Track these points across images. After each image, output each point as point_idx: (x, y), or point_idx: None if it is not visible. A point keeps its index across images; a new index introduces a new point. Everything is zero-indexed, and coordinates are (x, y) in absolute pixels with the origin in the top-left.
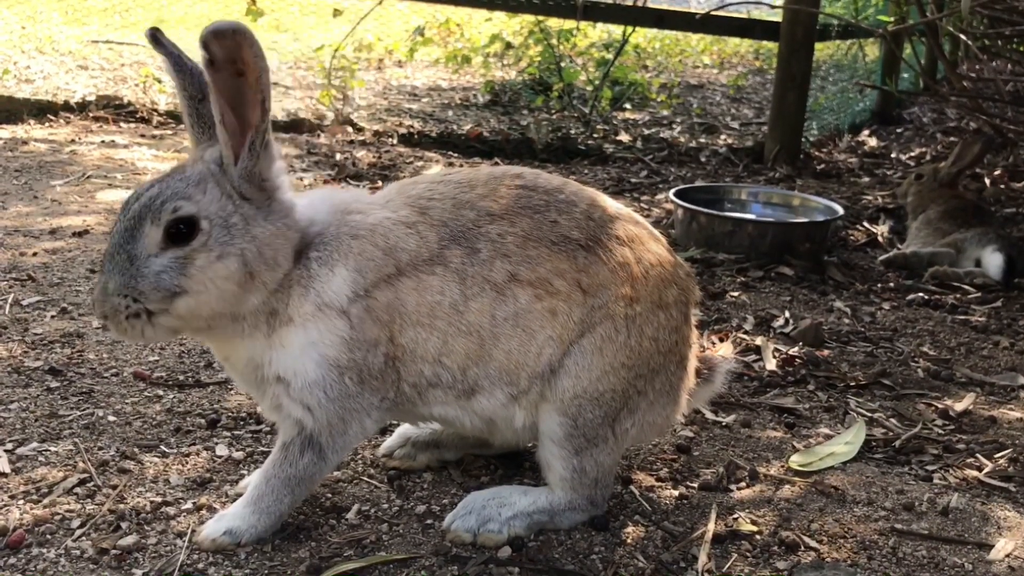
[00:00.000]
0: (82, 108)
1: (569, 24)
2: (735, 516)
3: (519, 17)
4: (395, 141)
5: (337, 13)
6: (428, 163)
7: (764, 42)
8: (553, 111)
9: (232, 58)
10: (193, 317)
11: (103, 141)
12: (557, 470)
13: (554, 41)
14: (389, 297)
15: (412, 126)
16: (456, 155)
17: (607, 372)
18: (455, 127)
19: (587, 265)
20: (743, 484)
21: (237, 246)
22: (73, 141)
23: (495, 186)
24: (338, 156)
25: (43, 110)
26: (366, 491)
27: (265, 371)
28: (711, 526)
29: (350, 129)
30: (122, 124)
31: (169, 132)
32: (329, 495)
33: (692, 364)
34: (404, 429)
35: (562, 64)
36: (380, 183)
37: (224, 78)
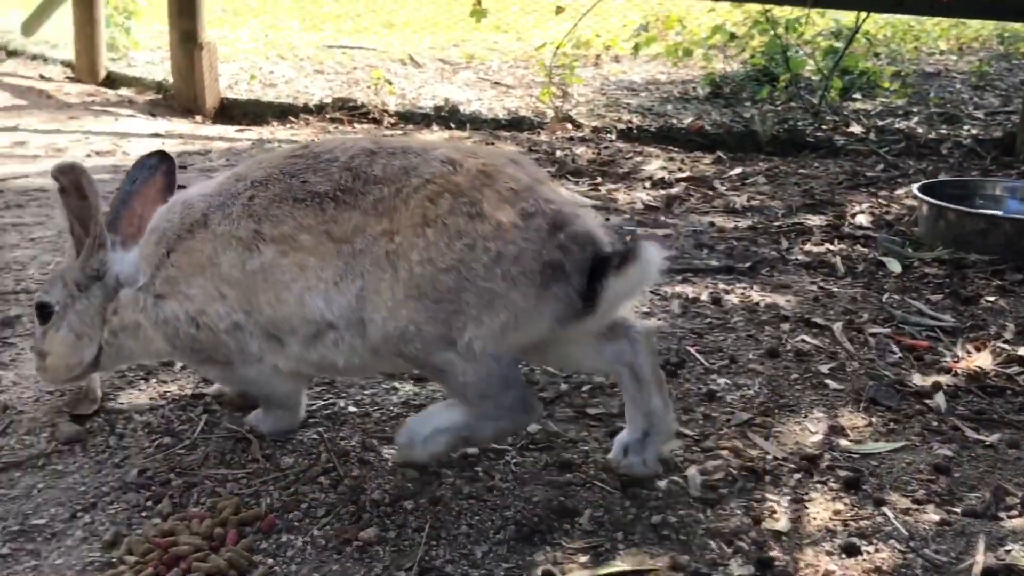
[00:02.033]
0: (320, 110)
1: (796, 12)
2: (1008, 548)
3: (743, 7)
4: (614, 137)
5: (559, 11)
6: (648, 158)
7: (1010, 23)
8: (778, 103)
9: (76, 187)
10: (58, 370)
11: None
12: (447, 394)
13: (781, 30)
14: (166, 274)
15: (631, 121)
16: (677, 150)
17: (395, 309)
18: (675, 121)
19: (336, 215)
20: (1014, 512)
21: (66, 320)
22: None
23: (274, 159)
24: (558, 153)
25: (285, 112)
26: (599, 496)
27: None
28: (980, 558)
29: (569, 126)
30: (355, 125)
31: (399, 132)
32: (562, 498)
33: (534, 253)
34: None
35: (788, 54)
36: (599, 179)
37: (73, 201)
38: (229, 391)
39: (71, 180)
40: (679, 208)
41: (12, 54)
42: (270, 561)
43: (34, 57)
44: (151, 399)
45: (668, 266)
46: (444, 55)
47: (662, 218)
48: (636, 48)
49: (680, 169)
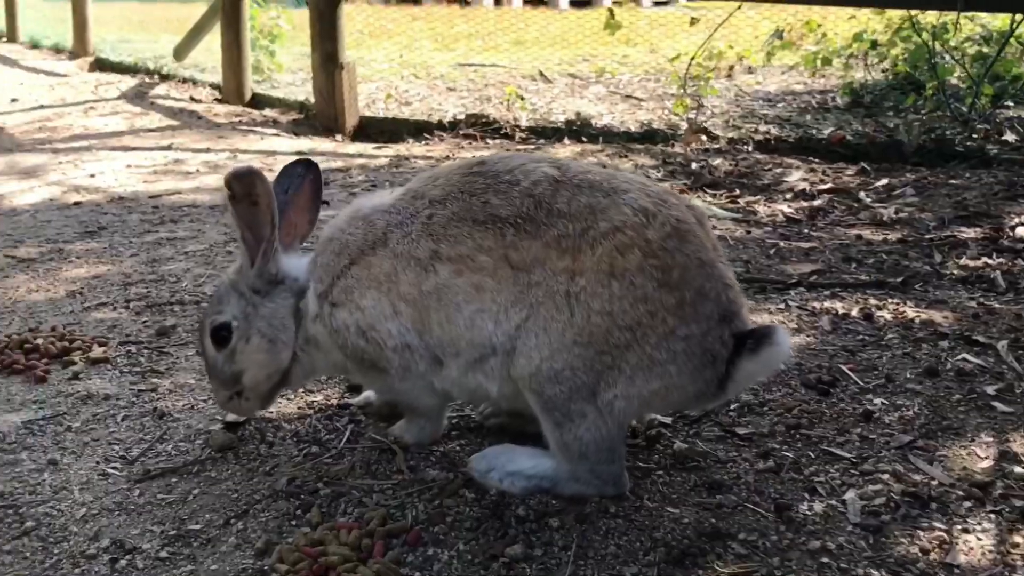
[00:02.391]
0: (453, 127)
1: (945, 16)
2: None
3: (885, 14)
4: (751, 148)
5: (694, 21)
6: (787, 169)
7: None
8: (923, 112)
9: (248, 193)
10: (260, 385)
11: (473, 157)
12: (548, 440)
13: (926, 36)
14: (343, 284)
15: (768, 132)
16: (817, 161)
17: (558, 351)
18: (814, 132)
19: (516, 241)
20: None
21: (255, 327)
22: (447, 157)
23: (451, 176)
24: (693, 165)
25: (420, 129)
26: (751, 519)
27: (339, 368)
28: None
29: (704, 137)
30: (488, 140)
31: (531, 147)
32: (713, 520)
33: (699, 337)
34: None
35: (934, 60)
36: (737, 191)
37: (243, 208)
38: (376, 401)
39: (244, 186)
40: (823, 221)
41: (165, 78)
42: (417, 574)
43: (184, 80)
44: (299, 408)
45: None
46: (574, 70)
47: (805, 231)
48: (769, 54)
49: (822, 180)
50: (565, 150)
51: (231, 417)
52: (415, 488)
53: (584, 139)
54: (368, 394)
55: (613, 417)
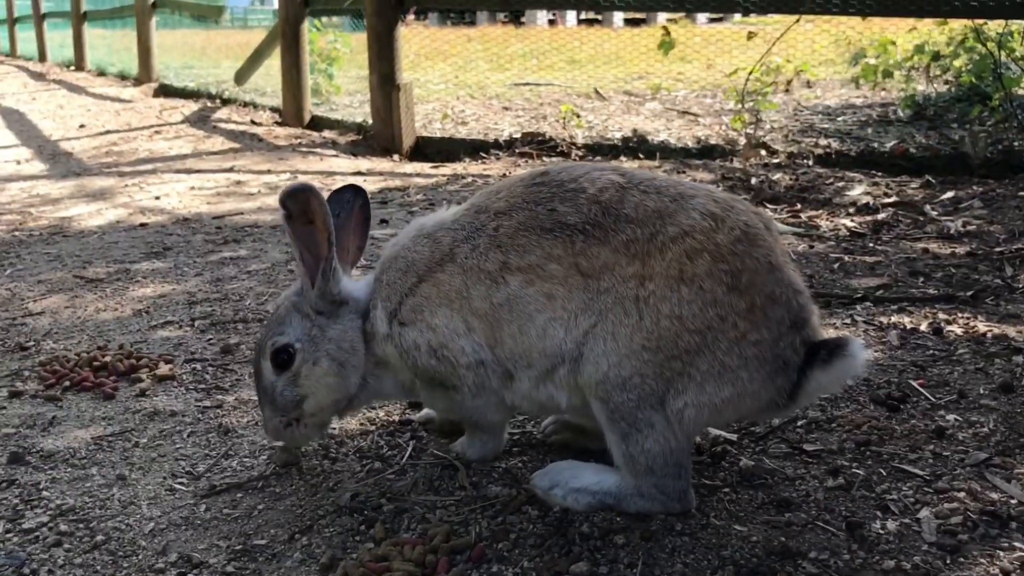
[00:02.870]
0: (509, 145)
1: (1010, 26)
2: None
3: (948, 24)
4: (811, 162)
5: (751, 36)
6: (850, 183)
7: None
8: (990, 123)
9: (303, 211)
10: (322, 412)
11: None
12: (614, 454)
13: (991, 45)
14: (412, 303)
15: (829, 146)
16: (880, 174)
17: (626, 356)
18: (876, 145)
19: (585, 248)
20: None
21: (323, 349)
22: (504, 175)
23: (513, 188)
24: (753, 180)
25: (476, 148)
26: (823, 538)
27: (406, 389)
28: None
29: (764, 152)
30: (544, 159)
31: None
32: (782, 538)
33: (770, 343)
34: None
35: (1000, 71)
36: (799, 206)
37: (299, 227)
38: (438, 417)
39: (299, 204)
40: (888, 234)
41: (226, 102)
42: None
43: (245, 104)
44: (361, 424)
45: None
46: (629, 87)
47: (870, 245)
48: (856, 81)
49: (886, 194)
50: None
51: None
52: (478, 504)
53: (641, 155)
54: (429, 410)
55: (682, 427)
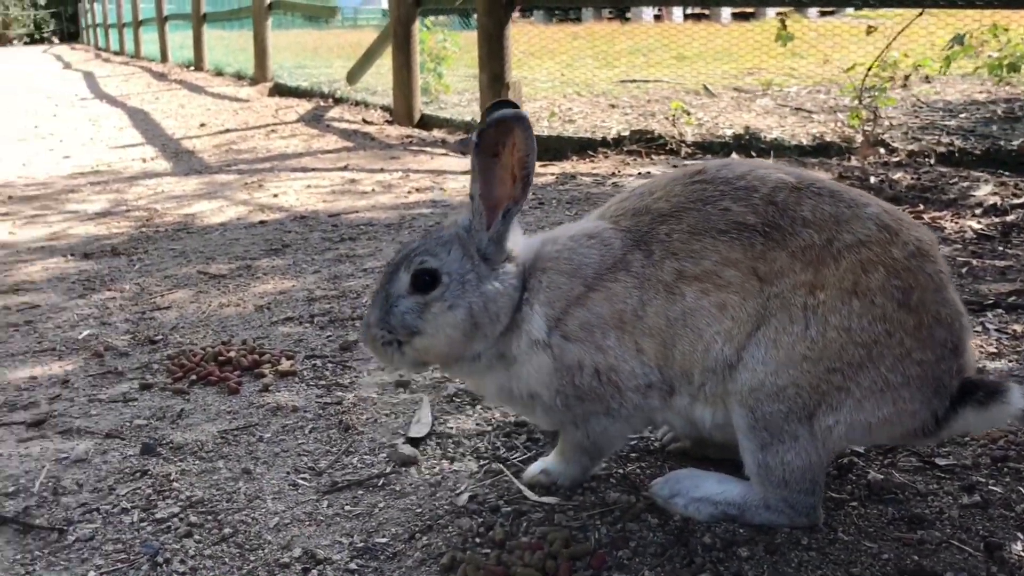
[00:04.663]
0: (617, 143)
1: None
2: None
3: None
4: (933, 161)
5: (871, 30)
6: (975, 183)
7: None
8: None
9: (496, 142)
10: (427, 354)
11: (639, 173)
12: (747, 463)
13: None
14: (581, 317)
15: (951, 144)
16: (1008, 173)
17: (784, 365)
18: (1003, 143)
19: (764, 252)
20: None
21: (467, 300)
22: (613, 174)
23: (671, 187)
24: (872, 179)
25: (584, 146)
26: (959, 558)
27: (515, 397)
28: None
29: (882, 150)
30: (653, 156)
31: (699, 162)
32: (915, 556)
33: (932, 363)
34: None
35: None
36: (921, 206)
37: (485, 159)
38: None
39: (500, 134)
40: (1018, 237)
41: (338, 101)
42: None
43: (357, 103)
44: (477, 425)
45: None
46: (739, 84)
47: (999, 248)
48: (948, 61)
49: (1015, 194)
50: None
51: (412, 432)
52: (596, 510)
53: (753, 153)
54: None
55: (827, 443)
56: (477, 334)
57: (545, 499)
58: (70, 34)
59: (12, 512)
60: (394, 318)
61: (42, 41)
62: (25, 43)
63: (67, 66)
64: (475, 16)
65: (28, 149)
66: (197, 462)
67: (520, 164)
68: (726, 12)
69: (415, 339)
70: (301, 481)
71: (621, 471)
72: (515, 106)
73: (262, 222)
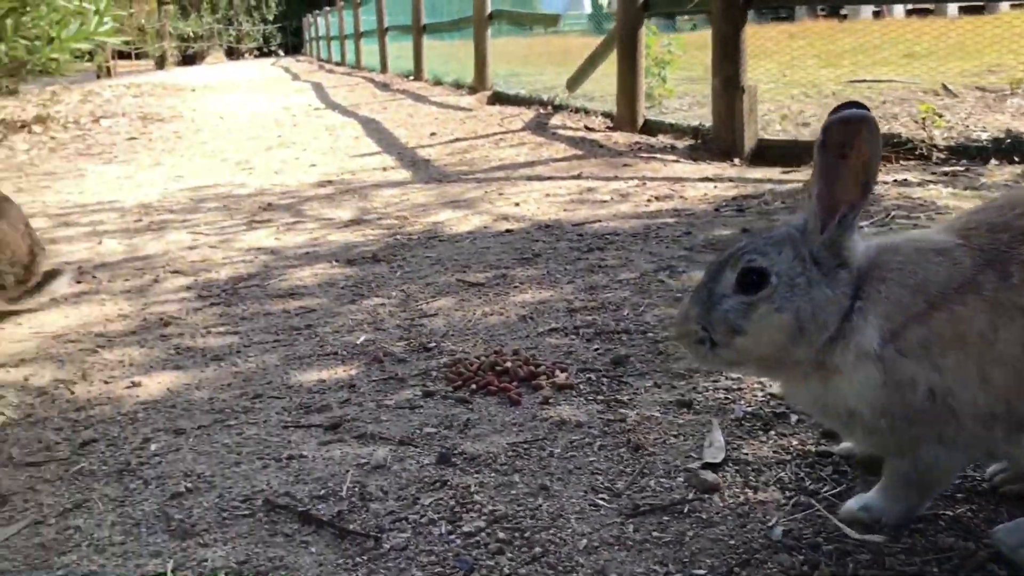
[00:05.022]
0: None
1: None
2: None
3: None
4: None
5: None
6: None
7: None
8: None
9: (843, 142)
10: (746, 356)
11: (895, 180)
12: None
13: None
14: (920, 334)
15: None
16: None
17: None
18: None
19: None
20: None
21: (795, 303)
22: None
23: None
24: None
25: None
26: None
27: (831, 410)
28: None
29: None
30: (902, 162)
31: (960, 169)
32: None
33: None
34: None
35: None
36: None
37: (829, 159)
38: (859, 452)
39: (846, 133)
40: None
41: (557, 108)
42: None
43: (576, 110)
44: (774, 452)
45: None
46: (981, 82)
47: None
48: None
49: None
50: (1002, 172)
51: (707, 457)
52: (931, 555)
53: (1017, 159)
54: (848, 444)
55: None
56: (802, 340)
57: (869, 537)
58: (293, 47)
59: (327, 516)
60: (716, 316)
61: (269, 54)
62: (255, 56)
63: (295, 77)
64: (682, 18)
65: (277, 157)
66: (493, 475)
67: (864, 168)
68: (952, 6)
69: (736, 339)
70: (601, 502)
71: (950, 513)
72: (862, 107)
73: (508, 231)
